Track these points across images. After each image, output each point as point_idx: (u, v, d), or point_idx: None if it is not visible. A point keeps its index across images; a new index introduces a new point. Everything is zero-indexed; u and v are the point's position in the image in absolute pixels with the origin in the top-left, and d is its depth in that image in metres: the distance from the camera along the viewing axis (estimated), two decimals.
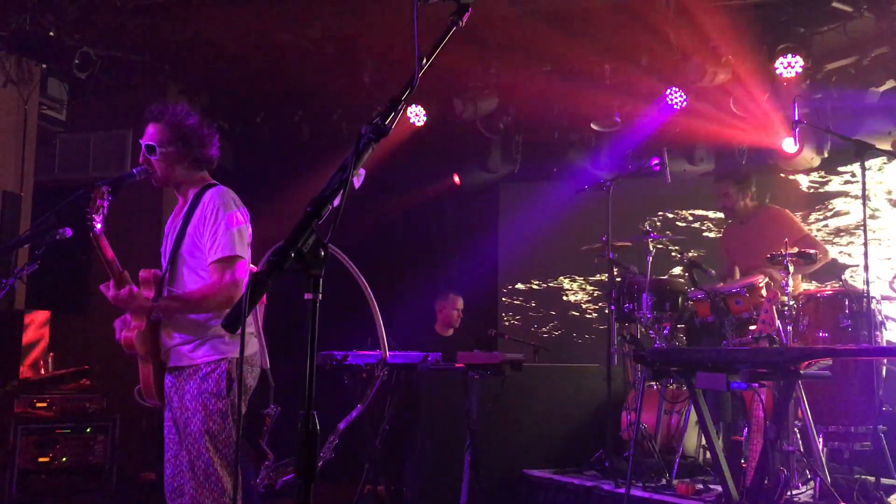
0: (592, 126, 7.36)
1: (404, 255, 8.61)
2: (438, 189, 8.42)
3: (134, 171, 3.23)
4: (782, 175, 7.44)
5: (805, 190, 7.57)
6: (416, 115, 7.34)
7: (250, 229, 3.23)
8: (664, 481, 5.12)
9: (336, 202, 1.59)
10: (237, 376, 3.11)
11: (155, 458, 3.24)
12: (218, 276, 3.06)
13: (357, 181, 1.64)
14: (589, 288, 8.63)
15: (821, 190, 7.52)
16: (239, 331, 3.06)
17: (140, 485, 6.17)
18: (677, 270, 7.84)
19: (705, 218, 8.06)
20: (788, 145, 6.75)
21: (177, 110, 3.24)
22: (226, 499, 3.06)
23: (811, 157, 6.97)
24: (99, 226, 3.00)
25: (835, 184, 7.46)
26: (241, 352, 1.61)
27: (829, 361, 3.43)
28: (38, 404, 5.72)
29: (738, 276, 5.83)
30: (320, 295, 1.54)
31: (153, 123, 3.23)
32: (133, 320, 3.09)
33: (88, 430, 5.77)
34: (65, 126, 7.46)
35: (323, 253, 1.53)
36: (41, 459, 5.56)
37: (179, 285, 3.15)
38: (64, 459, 5.64)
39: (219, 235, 3.07)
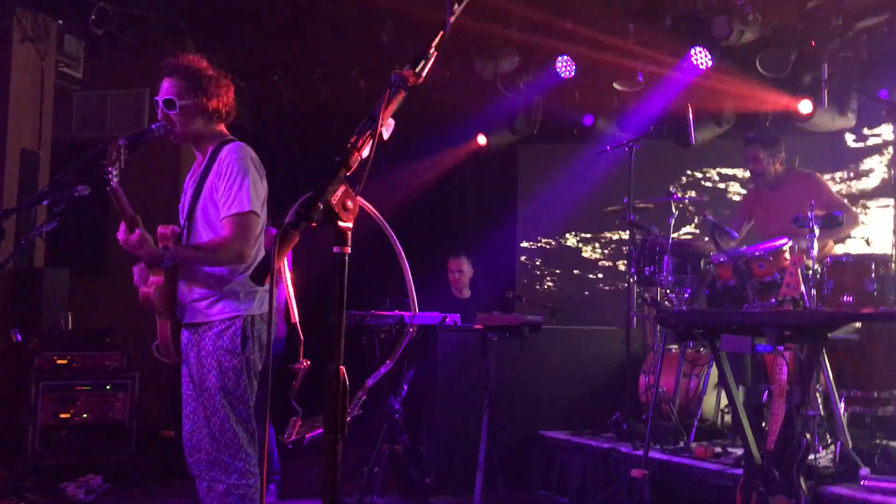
0: (615, 86, 7.25)
1: (422, 217, 8.55)
2: (462, 150, 8.33)
3: (153, 126, 3.18)
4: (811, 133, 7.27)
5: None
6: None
7: (266, 186, 3.19)
8: (682, 444, 5.11)
9: (365, 153, 1.54)
10: (252, 333, 3.10)
11: (174, 415, 3.24)
12: (229, 230, 3.03)
13: (386, 132, 1.58)
14: (608, 250, 8.58)
15: (853, 148, 7.36)
16: (256, 287, 3.08)
17: (160, 441, 6.22)
18: (688, 229, 7.79)
19: (733, 177, 7.96)
20: (804, 106, 6.65)
21: (192, 62, 3.19)
22: (242, 455, 3.06)
23: (833, 119, 6.84)
24: (115, 179, 2.96)
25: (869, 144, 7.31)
26: (271, 307, 1.57)
27: (856, 325, 3.37)
28: (59, 361, 5.76)
29: (743, 233, 5.79)
30: (349, 248, 1.50)
31: (168, 78, 3.17)
32: (151, 275, 3.08)
33: (108, 387, 5.81)
34: (82, 84, 7.42)
35: (352, 205, 1.49)
36: (62, 415, 5.62)
37: (196, 241, 3.13)
38: (85, 416, 5.69)
39: (234, 191, 3.04)
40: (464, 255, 7.18)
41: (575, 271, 8.66)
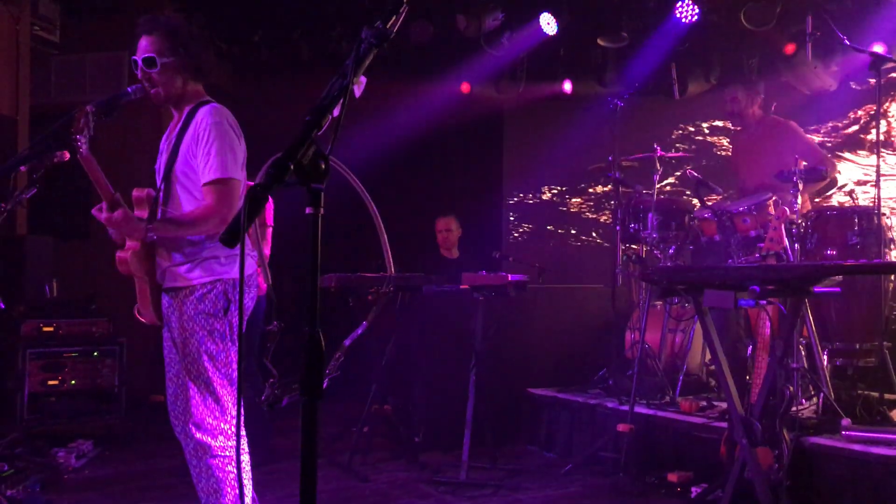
0: (599, 42, 7.18)
1: (408, 177, 8.51)
2: (446, 98, 8.12)
3: (129, 89, 3.12)
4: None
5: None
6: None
7: (244, 148, 3.15)
8: (668, 399, 5.17)
9: (336, 112, 1.51)
10: (234, 297, 3.09)
11: (162, 380, 3.26)
12: (212, 198, 2.99)
13: (358, 90, 1.56)
14: (595, 208, 8.57)
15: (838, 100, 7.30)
16: (235, 251, 3.06)
17: (149, 406, 6.25)
18: (669, 180, 7.79)
19: (723, 130, 7.89)
20: (789, 48, 6.65)
21: (169, 19, 3.12)
22: (227, 417, 3.07)
23: (815, 65, 6.80)
24: (84, 147, 2.90)
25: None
26: (241, 271, 1.56)
27: (838, 278, 3.39)
28: (45, 329, 5.75)
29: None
30: (322, 210, 1.48)
31: (147, 36, 3.09)
32: (128, 241, 3.05)
33: (96, 353, 5.81)
34: (59, 48, 7.29)
35: (324, 165, 1.47)
36: (50, 382, 5.61)
37: (174, 205, 3.09)
38: (73, 382, 5.69)
39: (212, 156, 2.99)
40: (452, 214, 7.17)
41: (561, 230, 8.66)
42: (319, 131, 1.49)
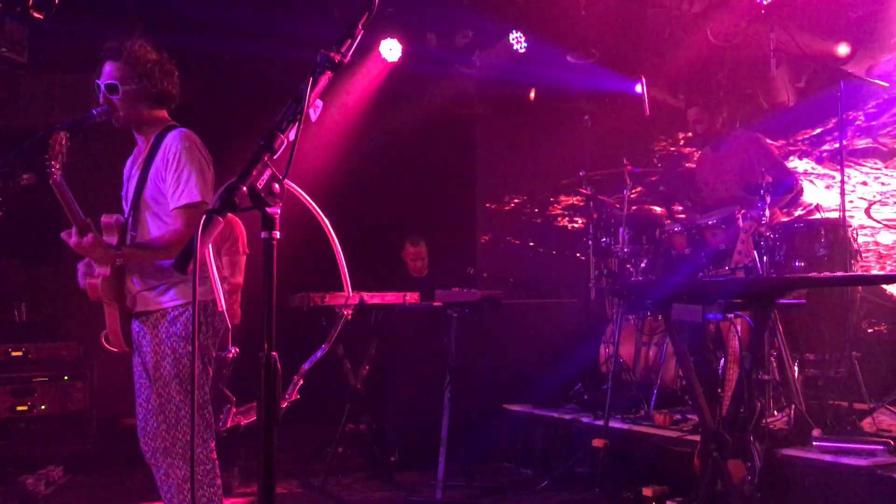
0: (568, 58, 7.25)
1: (380, 196, 8.49)
2: (415, 114, 8.07)
3: (94, 111, 3.11)
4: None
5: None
6: (391, 49, 7.15)
7: (213, 172, 3.14)
8: (642, 412, 5.19)
9: (291, 136, 1.51)
10: (205, 319, 3.08)
11: (134, 403, 3.24)
12: (181, 223, 2.99)
13: (314, 113, 1.56)
14: (568, 221, 8.60)
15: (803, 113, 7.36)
16: (205, 274, 3.04)
17: (121, 430, 6.16)
18: (637, 188, 7.80)
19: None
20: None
21: (135, 46, 3.12)
22: (198, 441, 3.05)
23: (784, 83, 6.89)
24: (59, 173, 2.89)
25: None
26: (195, 293, 1.55)
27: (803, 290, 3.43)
28: (14, 353, 5.67)
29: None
30: (277, 233, 1.47)
31: (111, 62, 3.10)
32: (97, 267, 3.02)
33: (66, 377, 5.73)
34: (27, 69, 7.22)
35: (279, 188, 1.46)
36: (19, 408, 5.53)
37: (143, 231, 3.08)
38: (43, 407, 5.61)
39: (182, 181, 2.99)
40: (422, 241, 7.11)
41: (533, 242, 8.68)
42: (274, 155, 1.49)
